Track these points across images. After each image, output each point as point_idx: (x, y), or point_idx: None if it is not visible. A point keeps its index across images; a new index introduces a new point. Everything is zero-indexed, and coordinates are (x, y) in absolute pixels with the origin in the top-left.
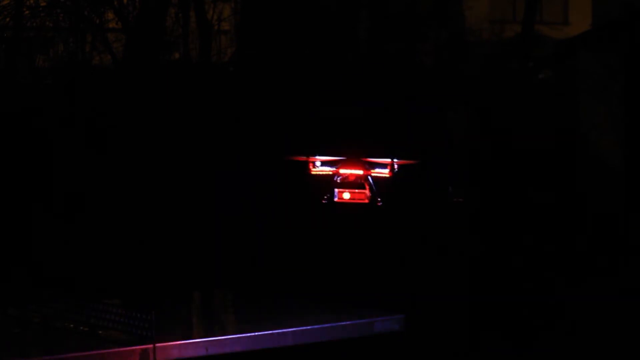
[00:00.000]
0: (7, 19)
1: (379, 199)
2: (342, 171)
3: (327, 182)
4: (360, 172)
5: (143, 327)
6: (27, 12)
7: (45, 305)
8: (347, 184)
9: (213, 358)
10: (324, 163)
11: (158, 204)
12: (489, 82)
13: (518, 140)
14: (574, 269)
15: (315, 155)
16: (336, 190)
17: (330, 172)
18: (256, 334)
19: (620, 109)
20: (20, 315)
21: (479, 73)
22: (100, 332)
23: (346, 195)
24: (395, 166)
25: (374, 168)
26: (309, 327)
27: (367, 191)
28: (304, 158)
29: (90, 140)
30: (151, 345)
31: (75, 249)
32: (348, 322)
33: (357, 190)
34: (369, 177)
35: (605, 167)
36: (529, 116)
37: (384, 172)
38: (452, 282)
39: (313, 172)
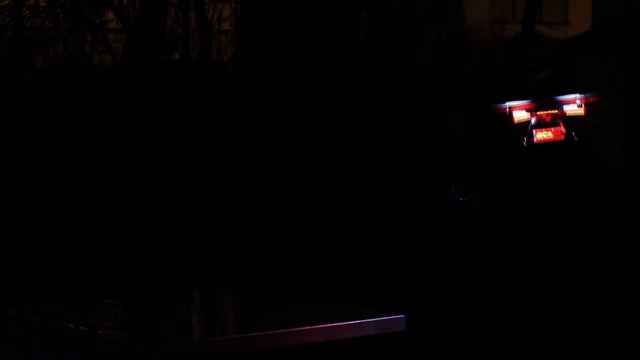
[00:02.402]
0: (7, 19)
1: (574, 134)
2: (538, 113)
3: (524, 127)
4: (555, 111)
5: (143, 327)
6: (27, 12)
7: (45, 305)
8: (542, 124)
9: (213, 358)
10: (520, 109)
11: (158, 204)
12: (489, 82)
13: (517, 139)
14: (572, 270)
15: (511, 103)
16: (534, 131)
17: (528, 117)
18: (256, 334)
19: (620, 109)
20: (20, 315)
21: (479, 73)
22: (100, 332)
23: (544, 135)
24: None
25: (565, 107)
26: (309, 327)
27: (562, 128)
28: (505, 109)
29: (90, 140)
30: (151, 345)
31: (75, 248)
32: (348, 322)
33: (553, 129)
34: (563, 116)
35: (605, 167)
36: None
37: (578, 110)
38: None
39: (516, 121)
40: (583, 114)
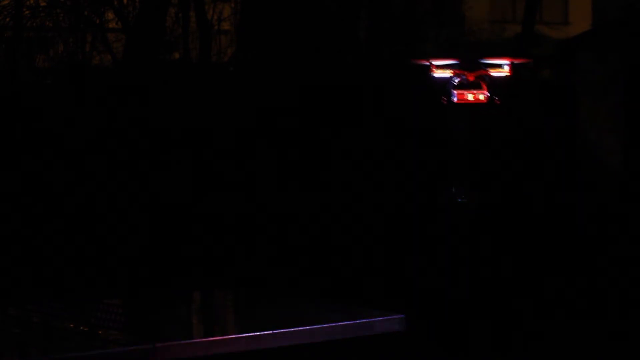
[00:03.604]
0: (7, 19)
1: (496, 98)
2: (461, 72)
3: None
4: (479, 72)
5: (143, 327)
6: (27, 12)
7: (45, 305)
8: (465, 84)
9: (213, 358)
10: (442, 66)
11: (159, 205)
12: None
13: (518, 140)
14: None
15: (434, 59)
16: (455, 91)
17: (451, 74)
18: (256, 334)
19: (620, 109)
20: (20, 315)
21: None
22: (100, 332)
23: (464, 96)
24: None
25: (491, 68)
26: (309, 327)
27: (484, 91)
28: (425, 61)
29: (90, 141)
30: (151, 345)
31: (75, 248)
32: (348, 322)
33: (474, 91)
34: (487, 77)
35: (605, 167)
36: (528, 116)
37: (504, 71)
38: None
39: (436, 74)
40: (508, 75)
